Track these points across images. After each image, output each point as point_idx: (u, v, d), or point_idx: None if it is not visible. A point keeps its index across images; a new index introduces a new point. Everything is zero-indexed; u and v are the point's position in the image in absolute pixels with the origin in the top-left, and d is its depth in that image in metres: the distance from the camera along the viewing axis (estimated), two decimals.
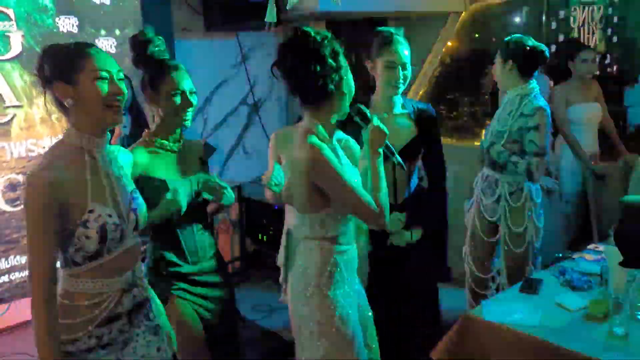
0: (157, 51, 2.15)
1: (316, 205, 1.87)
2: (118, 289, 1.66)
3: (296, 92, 1.86)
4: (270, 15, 1.63)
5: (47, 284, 1.54)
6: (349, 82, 1.88)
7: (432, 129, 2.57)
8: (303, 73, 1.79)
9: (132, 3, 3.70)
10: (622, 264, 1.96)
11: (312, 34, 1.80)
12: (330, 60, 1.79)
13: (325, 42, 1.80)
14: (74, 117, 1.61)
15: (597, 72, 4.08)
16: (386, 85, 2.47)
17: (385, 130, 1.92)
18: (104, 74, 1.58)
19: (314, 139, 1.83)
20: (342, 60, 1.85)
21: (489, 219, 2.91)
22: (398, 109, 2.53)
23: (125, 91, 1.62)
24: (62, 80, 1.57)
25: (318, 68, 1.77)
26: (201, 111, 4.35)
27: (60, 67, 1.57)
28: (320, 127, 1.87)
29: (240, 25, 4.02)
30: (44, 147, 3.39)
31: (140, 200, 1.75)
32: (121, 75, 1.64)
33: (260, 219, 4.42)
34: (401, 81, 2.45)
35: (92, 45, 1.64)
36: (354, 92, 1.89)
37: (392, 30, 2.50)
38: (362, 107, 1.97)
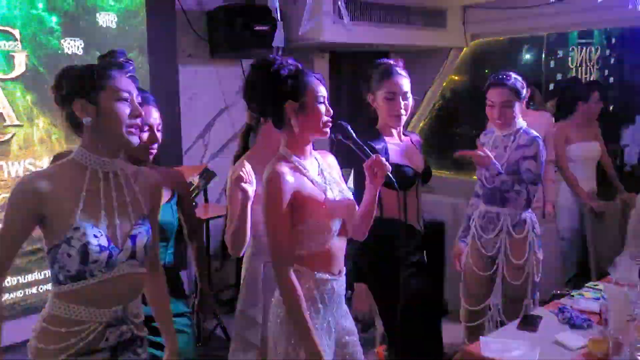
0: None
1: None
2: (102, 321, 1.58)
3: (262, 116, 1.88)
4: (279, 40, 1.66)
5: None
6: (317, 104, 1.83)
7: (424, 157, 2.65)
8: (262, 97, 1.84)
9: (138, 28, 3.74)
10: None
11: (272, 60, 1.83)
12: (289, 83, 1.80)
13: (284, 65, 1.82)
14: (88, 137, 1.60)
15: None
16: (389, 116, 2.47)
17: (386, 164, 1.90)
18: (125, 94, 1.58)
19: (278, 165, 1.81)
20: (306, 82, 1.82)
21: (488, 254, 2.89)
22: (401, 136, 2.56)
23: (142, 113, 1.62)
24: (84, 98, 1.56)
25: (271, 87, 1.80)
26: (202, 137, 4.35)
27: (82, 84, 1.57)
28: (287, 151, 1.85)
29: (245, 53, 4.06)
30: (41, 167, 3.37)
31: (145, 229, 1.66)
32: (139, 98, 1.65)
33: None
34: (402, 111, 2.46)
35: (115, 65, 1.63)
36: (330, 113, 1.86)
37: (391, 61, 2.52)
38: (344, 124, 1.97)
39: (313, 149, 1.96)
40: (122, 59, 1.88)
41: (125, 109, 1.58)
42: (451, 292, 3.87)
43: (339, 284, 1.92)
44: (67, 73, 1.61)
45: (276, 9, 1.65)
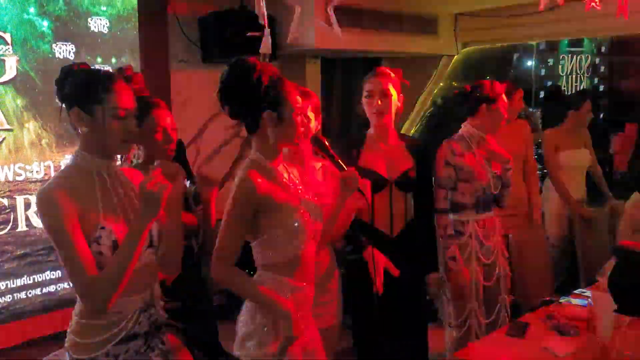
0: (138, 89, 2.16)
1: (251, 232, 1.85)
2: (136, 307, 1.66)
3: (235, 119, 1.86)
4: (265, 47, 1.65)
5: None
6: (288, 114, 1.82)
7: (424, 162, 2.61)
8: (240, 102, 1.79)
9: (130, 32, 3.73)
10: (617, 310, 1.95)
11: (253, 65, 1.79)
12: (270, 93, 1.78)
13: (266, 72, 1.79)
14: (84, 141, 1.64)
15: None
16: (371, 115, 2.51)
17: (356, 178, 1.93)
18: (123, 112, 1.60)
19: (249, 171, 1.81)
20: (287, 93, 1.82)
21: (488, 262, 2.88)
22: (394, 140, 2.56)
23: (136, 130, 1.65)
24: (80, 108, 1.58)
25: (250, 95, 1.77)
26: (194, 142, 4.35)
27: (81, 93, 1.58)
28: (260, 156, 1.85)
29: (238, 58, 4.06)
30: (31, 172, 3.37)
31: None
32: (137, 113, 1.67)
33: (248, 253, 4.37)
34: (378, 108, 2.46)
35: (118, 78, 1.64)
36: (305, 124, 1.88)
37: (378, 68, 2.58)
38: (319, 138, 2.00)
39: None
40: (129, 73, 1.90)
41: (119, 127, 1.60)
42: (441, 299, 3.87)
43: (314, 292, 1.93)
44: (72, 74, 1.62)
45: (264, 14, 1.64)
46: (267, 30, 1.65)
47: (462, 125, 2.88)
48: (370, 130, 2.58)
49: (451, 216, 2.78)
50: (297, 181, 1.94)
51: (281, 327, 1.78)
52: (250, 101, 1.79)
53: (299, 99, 1.85)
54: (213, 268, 1.81)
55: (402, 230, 2.53)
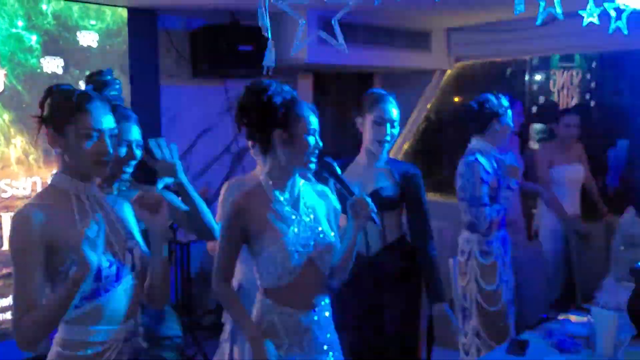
0: (112, 96, 2.09)
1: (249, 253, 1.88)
2: (120, 337, 1.60)
3: (250, 140, 1.91)
4: (269, 59, 1.62)
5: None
6: (306, 136, 1.81)
7: (415, 190, 2.55)
8: (252, 122, 1.82)
9: (119, 47, 3.70)
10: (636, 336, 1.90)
11: (267, 85, 1.81)
12: (281, 111, 1.79)
13: (279, 92, 1.81)
14: (61, 162, 1.61)
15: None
16: (373, 141, 2.49)
17: (370, 202, 1.87)
18: (95, 133, 1.55)
19: (241, 194, 1.87)
20: (298, 113, 1.81)
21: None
22: (381, 164, 2.55)
23: (111, 150, 1.58)
24: (53, 129, 1.55)
25: (261, 114, 1.79)
26: (184, 158, 4.30)
27: (55, 114, 1.55)
28: (267, 180, 1.86)
29: (228, 73, 4.03)
30: (17, 188, 3.30)
31: (137, 240, 1.68)
32: (115, 132, 1.61)
33: None
34: (388, 137, 2.48)
35: (95, 98, 1.59)
36: (317, 147, 1.84)
37: (384, 91, 2.57)
38: (330, 161, 1.94)
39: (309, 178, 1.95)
40: (108, 78, 1.85)
41: (91, 147, 1.55)
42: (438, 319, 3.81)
43: (309, 318, 1.87)
44: (52, 96, 1.59)
45: (267, 27, 1.62)
46: (271, 43, 1.62)
47: (474, 141, 2.87)
48: (361, 154, 2.56)
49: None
50: (302, 209, 1.88)
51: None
52: (260, 120, 1.80)
53: (313, 120, 1.84)
54: (212, 284, 1.90)
55: (380, 250, 2.50)
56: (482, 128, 2.86)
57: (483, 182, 2.78)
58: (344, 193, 1.93)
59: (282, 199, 1.86)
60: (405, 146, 5.24)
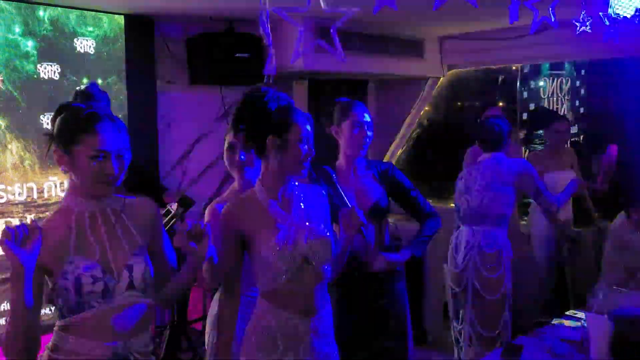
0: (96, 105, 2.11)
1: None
2: (105, 356, 1.59)
3: (247, 143, 1.91)
4: (270, 68, 1.65)
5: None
6: (299, 143, 1.84)
7: (399, 184, 2.61)
8: (247, 127, 1.86)
9: (117, 53, 3.71)
10: None
11: (264, 92, 1.85)
12: (275, 118, 1.82)
13: (275, 99, 1.84)
14: (71, 181, 1.65)
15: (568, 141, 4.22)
16: (353, 145, 2.53)
17: (361, 215, 1.93)
18: (101, 154, 1.57)
19: (233, 201, 1.91)
20: (293, 120, 1.84)
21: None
22: (362, 171, 2.58)
23: (115, 171, 1.60)
24: (60, 147, 1.58)
25: (256, 120, 1.83)
26: (180, 164, 4.31)
27: (62, 133, 1.58)
28: (260, 185, 1.89)
29: (225, 80, 4.05)
30: (13, 194, 3.30)
31: (142, 258, 1.67)
32: (122, 152, 1.61)
33: None
34: (366, 139, 2.54)
35: (104, 118, 1.59)
36: (310, 155, 1.88)
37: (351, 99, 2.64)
38: (329, 170, 1.97)
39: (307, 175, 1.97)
40: (94, 90, 1.87)
41: (98, 168, 1.57)
42: (432, 322, 3.85)
43: (307, 325, 1.87)
44: (61, 112, 1.62)
45: (268, 35, 1.65)
46: (272, 51, 1.64)
47: (491, 154, 3.20)
48: (340, 161, 2.59)
49: None
50: (295, 211, 1.90)
51: None
52: (256, 126, 1.84)
53: (308, 128, 1.87)
54: (221, 302, 1.94)
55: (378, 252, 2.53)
56: (501, 146, 3.19)
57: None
58: (337, 202, 1.96)
59: (274, 202, 1.88)
60: (399, 153, 5.28)
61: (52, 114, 1.66)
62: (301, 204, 1.91)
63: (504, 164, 3.17)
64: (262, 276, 1.86)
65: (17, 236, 1.46)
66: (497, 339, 2.95)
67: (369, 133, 2.55)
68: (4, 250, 1.45)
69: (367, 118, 2.57)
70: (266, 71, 1.64)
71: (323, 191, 2.02)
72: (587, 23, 1.96)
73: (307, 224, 1.88)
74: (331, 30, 1.72)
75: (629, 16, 2.40)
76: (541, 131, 4.26)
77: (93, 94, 2.15)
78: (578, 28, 2.00)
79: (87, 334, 1.58)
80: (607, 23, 2.09)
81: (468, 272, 3.07)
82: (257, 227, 1.84)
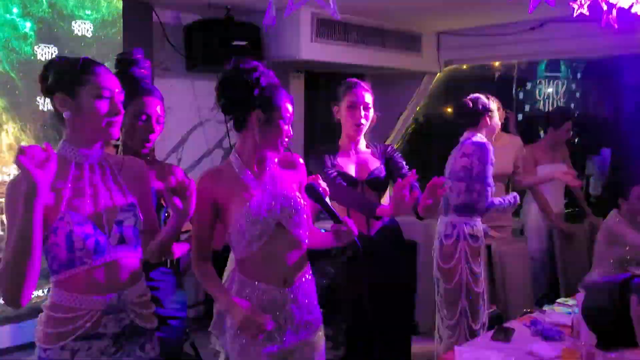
0: (139, 73, 2.15)
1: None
2: (97, 308, 1.61)
3: (227, 114, 1.92)
4: (270, 18, 1.66)
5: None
6: (276, 120, 1.86)
7: (396, 163, 2.68)
8: (234, 97, 1.85)
9: (114, 38, 3.71)
10: (597, 346, 1.94)
11: (255, 66, 1.85)
12: (265, 94, 1.83)
13: (260, 72, 1.85)
14: (69, 129, 1.64)
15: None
16: (349, 124, 2.60)
17: (353, 228, 1.92)
18: (106, 92, 1.60)
19: (208, 171, 1.92)
20: (279, 98, 1.86)
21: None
22: (362, 147, 2.67)
23: (119, 109, 1.64)
24: (63, 92, 1.59)
25: (245, 91, 1.83)
26: (175, 151, 4.30)
27: (63, 78, 1.60)
28: (237, 158, 1.90)
29: (221, 67, 4.05)
30: (9, 174, 3.28)
31: (133, 214, 1.68)
32: (121, 96, 1.66)
33: (224, 262, 4.30)
34: (362, 120, 2.58)
35: (99, 63, 1.65)
36: (288, 136, 1.89)
37: (355, 80, 2.68)
38: (315, 185, 1.95)
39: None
40: (138, 56, 1.98)
41: (103, 107, 1.61)
42: (423, 312, 3.86)
43: (285, 296, 1.88)
44: (54, 65, 1.65)
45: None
46: (272, 2, 1.67)
47: (468, 134, 3.04)
48: (343, 139, 2.67)
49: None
50: (269, 183, 1.91)
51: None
52: (243, 97, 1.84)
53: (289, 107, 1.89)
54: (192, 265, 1.90)
55: (380, 229, 2.60)
56: (475, 122, 3.01)
57: (490, 165, 2.91)
58: (327, 216, 1.97)
59: (248, 171, 1.90)
60: (395, 147, 5.29)
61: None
62: (275, 174, 1.93)
63: (463, 147, 3.02)
64: (237, 244, 1.86)
65: (33, 156, 1.44)
66: (456, 326, 2.95)
67: (365, 113, 2.57)
68: (19, 166, 1.44)
69: (368, 98, 2.60)
70: (265, 22, 1.65)
71: (298, 160, 2.04)
72: (585, 5, 1.97)
73: (280, 190, 1.90)
74: None
75: (625, 6, 2.43)
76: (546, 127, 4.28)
77: (137, 61, 2.16)
78: (575, 11, 2.01)
79: (80, 289, 1.60)
80: (605, 7, 2.10)
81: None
82: (231, 195, 1.85)
